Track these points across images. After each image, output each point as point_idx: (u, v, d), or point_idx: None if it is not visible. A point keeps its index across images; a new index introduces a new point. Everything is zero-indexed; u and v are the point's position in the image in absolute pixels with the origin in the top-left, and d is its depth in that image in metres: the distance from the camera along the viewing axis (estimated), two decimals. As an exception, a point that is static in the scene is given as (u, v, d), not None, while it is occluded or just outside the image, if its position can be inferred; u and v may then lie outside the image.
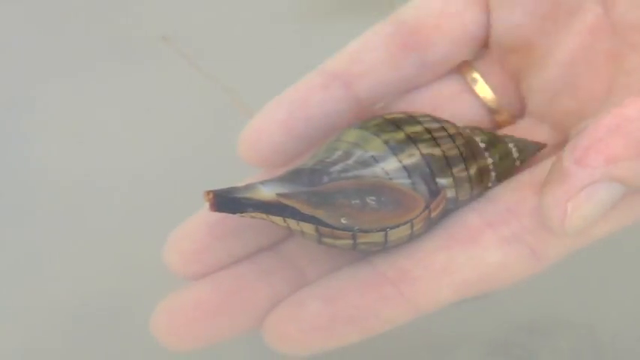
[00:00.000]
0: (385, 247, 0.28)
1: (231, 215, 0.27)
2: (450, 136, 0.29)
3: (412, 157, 0.28)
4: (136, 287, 0.41)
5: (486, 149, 0.30)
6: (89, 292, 0.42)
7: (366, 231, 0.27)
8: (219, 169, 0.43)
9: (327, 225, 0.27)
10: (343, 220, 0.27)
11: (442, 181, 0.28)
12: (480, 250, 0.28)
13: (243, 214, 0.26)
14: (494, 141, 0.31)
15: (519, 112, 0.33)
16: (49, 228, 0.44)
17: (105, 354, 0.40)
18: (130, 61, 0.50)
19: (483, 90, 0.33)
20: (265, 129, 0.30)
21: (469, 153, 0.29)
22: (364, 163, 0.28)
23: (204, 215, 0.29)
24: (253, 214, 0.26)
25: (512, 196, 0.29)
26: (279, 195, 0.26)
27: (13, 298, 0.42)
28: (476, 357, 0.39)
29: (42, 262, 0.43)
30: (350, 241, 0.27)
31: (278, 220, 0.27)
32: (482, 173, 0.30)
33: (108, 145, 0.47)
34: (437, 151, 0.28)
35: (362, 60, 0.31)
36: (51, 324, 0.41)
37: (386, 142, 0.28)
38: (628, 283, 0.40)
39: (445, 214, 0.29)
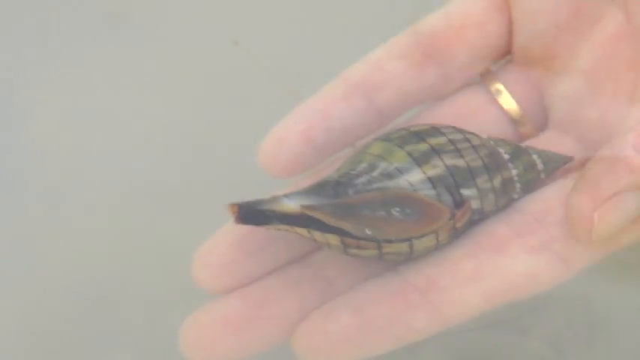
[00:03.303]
0: (411, 257, 0.28)
1: (259, 228, 0.27)
2: (474, 147, 0.29)
3: (436, 168, 0.28)
4: (132, 270, 0.41)
5: (510, 160, 0.30)
6: (85, 273, 0.41)
7: (391, 241, 0.27)
8: (216, 156, 0.43)
9: (352, 236, 0.27)
10: (368, 231, 0.27)
11: (466, 192, 0.28)
12: (508, 259, 0.28)
13: (268, 227, 0.27)
14: (519, 152, 0.31)
15: (543, 124, 0.33)
16: (44, 209, 0.44)
17: (101, 336, 0.40)
18: (128, 40, 0.49)
19: (507, 102, 0.33)
20: (286, 139, 0.30)
21: (493, 164, 0.29)
22: (389, 175, 0.28)
23: (232, 228, 0.29)
24: (279, 227, 0.27)
25: (539, 207, 0.29)
26: (303, 207, 0.26)
27: (7, 280, 0.42)
28: (474, 333, 0.39)
29: (37, 244, 0.43)
30: (375, 252, 0.27)
31: (303, 232, 0.27)
32: (507, 184, 0.30)
33: (105, 125, 0.46)
34: (460, 162, 0.29)
35: (383, 70, 0.32)
36: (47, 306, 0.41)
37: (410, 154, 0.28)
38: (621, 257, 0.40)
39: (471, 225, 0.29)
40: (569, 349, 0.38)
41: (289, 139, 0.30)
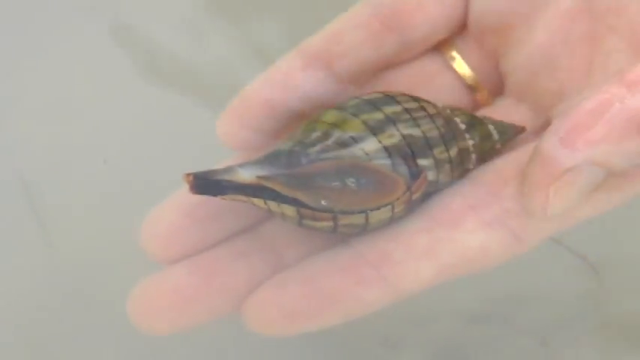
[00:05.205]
0: (366, 229, 0.28)
1: (209, 197, 0.26)
2: (430, 116, 0.29)
3: (392, 137, 0.28)
4: (113, 262, 0.41)
5: (467, 130, 0.30)
6: (65, 266, 0.42)
7: (346, 212, 0.27)
8: (193, 144, 0.42)
9: (307, 207, 0.26)
10: (323, 202, 0.26)
11: (423, 162, 0.28)
12: (462, 233, 0.28)
13: (224, 197, 0.26)
14: (475, 122, 0.30)
15: (498, 91, 0.33)
16: (23, 202, 0.44)
17: (82, 329, 0.41)
18: (109, 33, 0.49)
19: (462, 67, 0.33)
20: (245, 111, 0.30)
21: (449, 134, 0.29)
22: (343, 144, 0.27)
23: (181, 197, 0.29)
24: (234, 197, 0.26)
25: (494, 179, 0.29)
26: (259, 177, 0.26)
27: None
28: (457, 328, 0.39)
29: (16, 238, 0.43)
30: (330, 223, 0.27)
31: (259, 202, 0.26)
32: (463, 155, 0.29)
33: (85, 119, 0.46)
34: (417, 132, 0.28)
35: (342, 40, 0.31)
36: (27, 299, 0.41)
37: (365, 123, 0.28)
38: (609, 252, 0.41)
39: (426, 196, 0.29)
40: (556, 343, 0.39)
41: (249, 111, 0.30)
